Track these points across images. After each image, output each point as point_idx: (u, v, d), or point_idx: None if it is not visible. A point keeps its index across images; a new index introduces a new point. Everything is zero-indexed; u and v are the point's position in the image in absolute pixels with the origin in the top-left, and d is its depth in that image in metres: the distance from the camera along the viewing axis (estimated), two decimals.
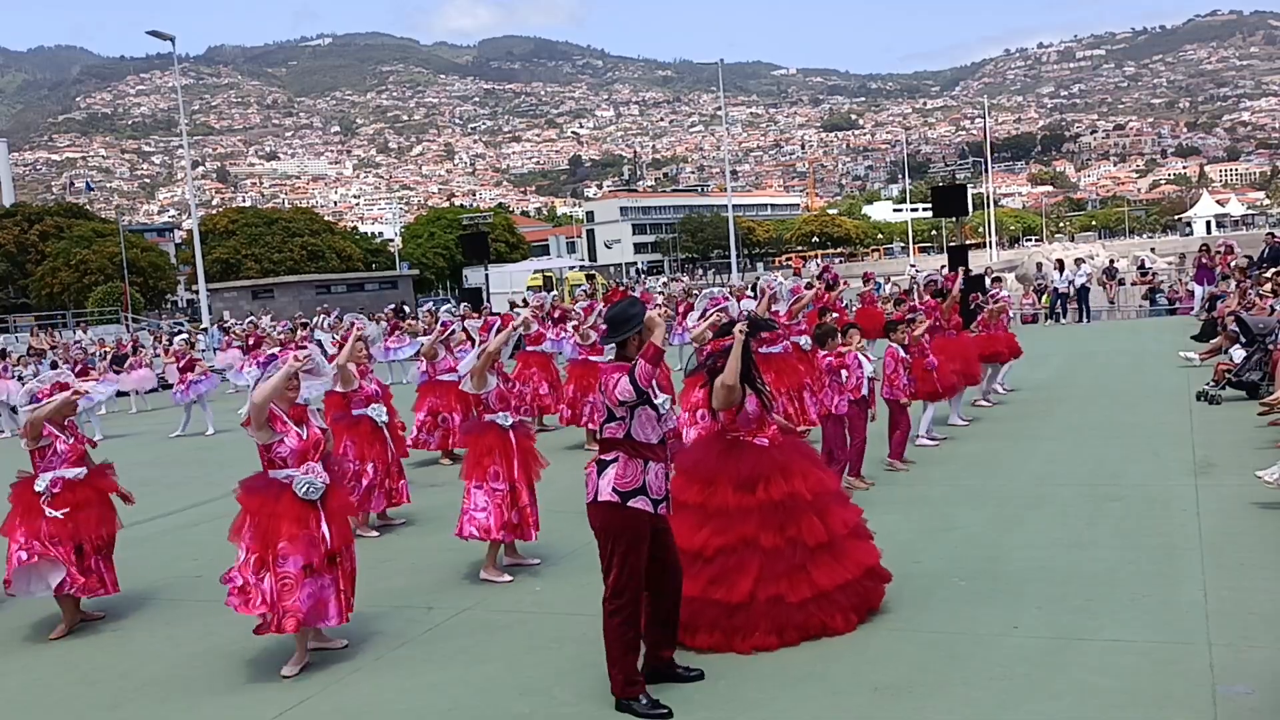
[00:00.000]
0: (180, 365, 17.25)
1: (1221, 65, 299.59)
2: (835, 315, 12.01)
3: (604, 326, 4.91)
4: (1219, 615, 5.23)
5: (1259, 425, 9.69)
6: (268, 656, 5.63)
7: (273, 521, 5.32)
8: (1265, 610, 5.26)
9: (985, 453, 10.04)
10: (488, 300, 28.81)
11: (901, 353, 9.51)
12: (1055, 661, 4.85)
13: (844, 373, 8.29)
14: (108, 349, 25.58)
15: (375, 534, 8.34)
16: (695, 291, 17.89)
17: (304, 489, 5.35)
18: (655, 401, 4.62)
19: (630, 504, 4.56)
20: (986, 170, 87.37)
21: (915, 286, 19.28)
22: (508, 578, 6.82)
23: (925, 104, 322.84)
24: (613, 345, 4.83)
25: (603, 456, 4.68)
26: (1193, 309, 22.64)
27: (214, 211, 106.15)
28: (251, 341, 20.07)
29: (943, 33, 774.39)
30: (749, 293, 14.53)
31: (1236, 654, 4.76)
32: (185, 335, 24.29)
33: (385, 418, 8.48)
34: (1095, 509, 7.56)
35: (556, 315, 15.07)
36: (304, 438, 5.46)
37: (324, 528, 5.37)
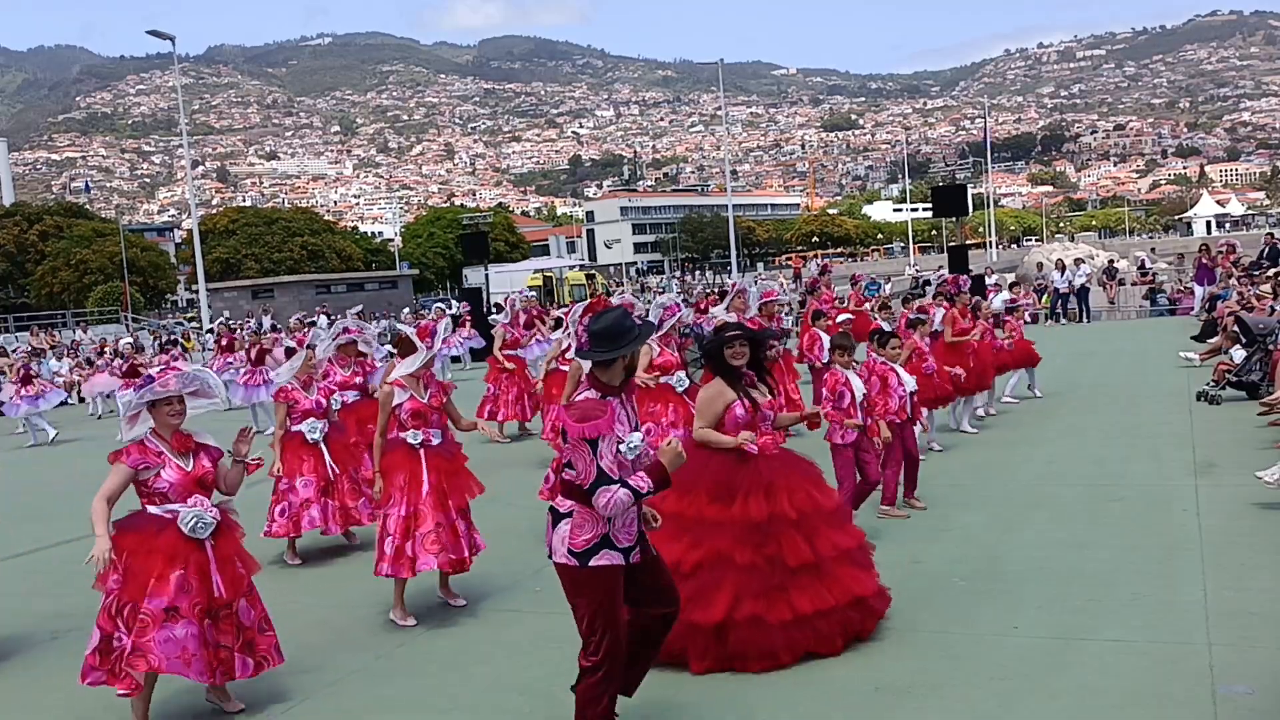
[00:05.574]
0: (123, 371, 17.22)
1: (1221, 65, 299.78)
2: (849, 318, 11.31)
3: (586, 339, 4.02)
4: (1219, 615, 5.23)
5: (1259, 425, 9.69)
6: None
7: (148, 559, 4.66)
8: (1265, 610, 5.26)
9: (986, 453, 10.03)
10: (487, 300, 28.82)
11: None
12: (1055, 661, 4.85)
13: (845, 395, 7.14)
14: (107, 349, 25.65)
15: (298, 562, 7.74)
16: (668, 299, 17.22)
17: (191, 523, 4.72)
18: (622, 445, 3.91)
19: (591, 563, 3.90)
20: (986, 170, 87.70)
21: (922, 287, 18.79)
22: (412, 621, 6.04)
23: (925, 104, 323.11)
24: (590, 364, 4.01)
25: (558, 506, 4.00)
26: (1193, 309, 22.63)
27: (214, 211, 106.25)
28: (224, 343, 19.84)
29: (943, 33, 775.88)
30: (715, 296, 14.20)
31: (1236, 654, 4.76)
32: (129, 340, 24.51)
33: (319, 435, 7.75)
34: (1095, 509, 7.56)
35: (535, 313, 14.82)
36: (188, 470, 4.85)
37: (214, 574, 4.73)
